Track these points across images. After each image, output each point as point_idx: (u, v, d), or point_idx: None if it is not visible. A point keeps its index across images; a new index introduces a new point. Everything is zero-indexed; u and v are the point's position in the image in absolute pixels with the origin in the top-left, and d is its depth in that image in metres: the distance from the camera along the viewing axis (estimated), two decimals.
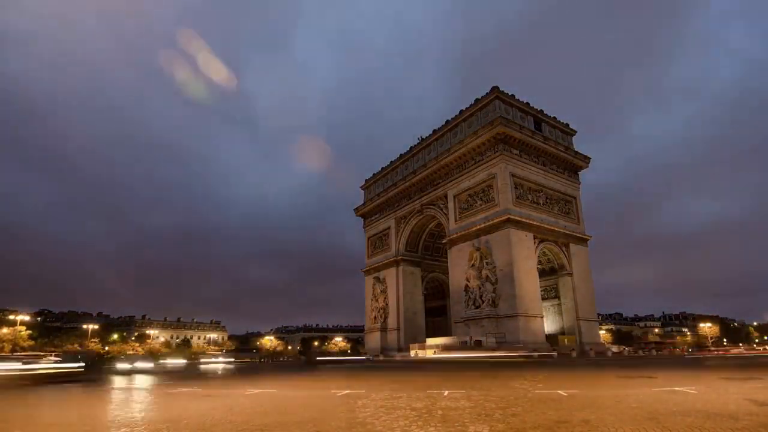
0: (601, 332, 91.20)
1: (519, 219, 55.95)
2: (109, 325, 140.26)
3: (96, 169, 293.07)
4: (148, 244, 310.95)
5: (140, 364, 40.92)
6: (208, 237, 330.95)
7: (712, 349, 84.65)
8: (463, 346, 55.13)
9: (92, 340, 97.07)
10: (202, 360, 59.79)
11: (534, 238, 57.41)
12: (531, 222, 57.38)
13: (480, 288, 56.38)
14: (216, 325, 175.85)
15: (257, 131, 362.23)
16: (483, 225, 57.99)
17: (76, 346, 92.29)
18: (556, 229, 60.28)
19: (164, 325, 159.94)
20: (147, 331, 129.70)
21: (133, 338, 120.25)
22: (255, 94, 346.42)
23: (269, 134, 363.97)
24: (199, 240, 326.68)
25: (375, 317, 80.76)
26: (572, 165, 66.83)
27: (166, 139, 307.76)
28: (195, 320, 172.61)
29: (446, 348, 56.50)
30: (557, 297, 62.12)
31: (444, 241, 66.57)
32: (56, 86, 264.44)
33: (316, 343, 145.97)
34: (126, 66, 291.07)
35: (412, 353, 60.37)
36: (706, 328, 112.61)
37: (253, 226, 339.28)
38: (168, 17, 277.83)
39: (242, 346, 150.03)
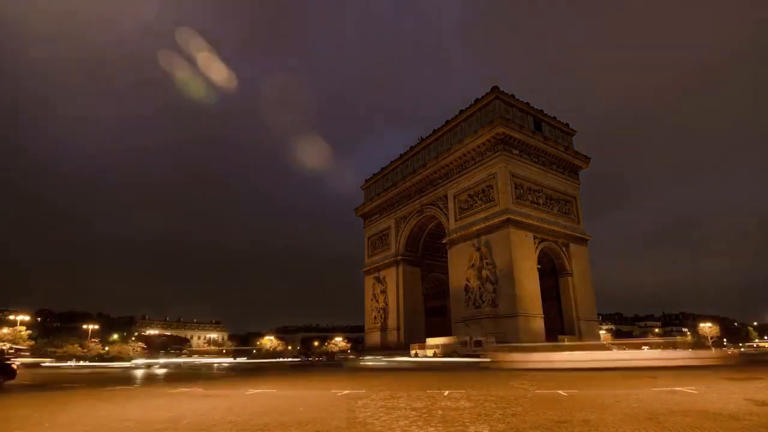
0: (601, 332, 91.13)
1: (519, 219, 55.90)
2: (109, 325, 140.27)
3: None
4: None
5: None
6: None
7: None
8: (463, 347, 55.07)
9: (92, 340, 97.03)
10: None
11: (534, 238, 57.37)
12: (531, 222, 57.33)
13: (480, 288, 56.37)
14: (216, 325, 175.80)
15: None
16: (483, 225, 57.95)
17: (76, 346, 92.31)
18: (556, 229, 60.25)
19: (164, 324, 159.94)
20: (147, 331, 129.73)
21: (133, 338, 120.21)
22: None
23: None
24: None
25: (375, 317, 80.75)
26: (572, 165, 66.81)
27: None
28: (195, 320, 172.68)
29: (446, 348, 56.42)
30: (557, 297, 62.06)
31: (444, 241, 66.51)
32: None
33: (316, 343, 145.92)
34: None
35: (412, 353, 60.33)
36: (706, 328, 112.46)
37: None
38: None
39: (242, 346, 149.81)
